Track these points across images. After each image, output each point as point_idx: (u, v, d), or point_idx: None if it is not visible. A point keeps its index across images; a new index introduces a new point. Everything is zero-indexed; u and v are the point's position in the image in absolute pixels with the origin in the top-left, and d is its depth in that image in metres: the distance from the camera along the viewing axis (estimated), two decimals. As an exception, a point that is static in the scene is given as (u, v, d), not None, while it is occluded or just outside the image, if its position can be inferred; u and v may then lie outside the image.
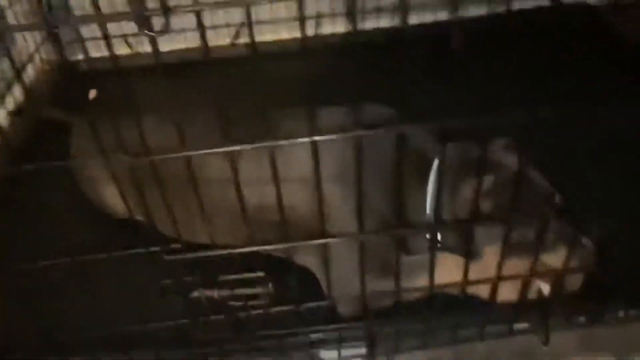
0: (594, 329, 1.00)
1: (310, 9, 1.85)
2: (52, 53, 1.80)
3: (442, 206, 1.06)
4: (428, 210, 1.06)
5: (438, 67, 1.58)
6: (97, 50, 1.45)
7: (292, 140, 0.65)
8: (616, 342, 1.00)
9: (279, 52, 1.66)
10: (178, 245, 0.76)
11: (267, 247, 0.75)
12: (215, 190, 1.01)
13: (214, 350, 0.95)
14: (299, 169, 0.98)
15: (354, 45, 1.63)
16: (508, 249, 0.99)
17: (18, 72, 1.54)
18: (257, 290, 0.84)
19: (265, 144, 0.65)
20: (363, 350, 0.99)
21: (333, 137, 0.64)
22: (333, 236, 0.77)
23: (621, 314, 0.99)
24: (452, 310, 0.95)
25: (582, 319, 1.00)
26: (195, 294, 0.84)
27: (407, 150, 1.05)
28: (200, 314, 0.86)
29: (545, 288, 0.97)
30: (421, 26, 1.86)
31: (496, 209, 0.98)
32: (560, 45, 1.68)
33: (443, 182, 1.07)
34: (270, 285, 0.84)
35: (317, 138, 0.64)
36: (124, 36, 1.82)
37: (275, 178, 0.70)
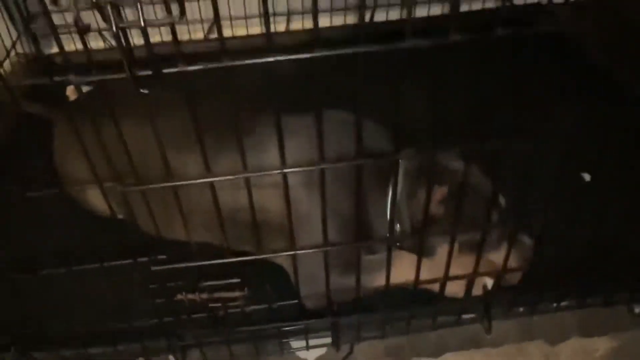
0: (531, 318, 1.14)
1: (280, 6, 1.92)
2: (27, 47, 1.83)
3: (401, 210, 1.18)
4: (389, 214, 1.17)
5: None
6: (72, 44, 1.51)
7: (263, 173, 0.75)
8: (549, 329, 1.14)
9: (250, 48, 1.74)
10: (164, 257, 0.85)
11: (240, 259, 0.84)
12: (193, 192, 1.10)
13: (194, 341, 1.05)
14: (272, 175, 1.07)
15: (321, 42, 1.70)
16: (459, 248, 1.12)
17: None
18: (234, 294, 0.94)
19: (242, 175, 0.74)
20: (328, 340, 1.10)
21: (299, 169, 0.74)
22: (300, 248, 0.87)
23: (554, 304, 1.13)
24: (407, 302, 1.07)
25: (520, 309, 1.13)
26: (179, 297, 0.93)
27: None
28: (183, 312, 0.96)
29: (490, 283, 1.10)
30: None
31: (448, 214, 1.10)
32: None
33: (403, 188, 1.18)
34: (245, 289, 0.94)
35: (286, 170, 0.74)
36: (100, 30, 1.86)
37: (250, 195, 0.79)
